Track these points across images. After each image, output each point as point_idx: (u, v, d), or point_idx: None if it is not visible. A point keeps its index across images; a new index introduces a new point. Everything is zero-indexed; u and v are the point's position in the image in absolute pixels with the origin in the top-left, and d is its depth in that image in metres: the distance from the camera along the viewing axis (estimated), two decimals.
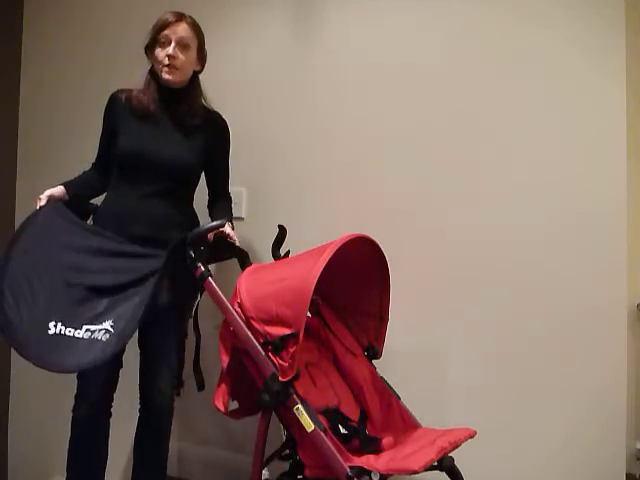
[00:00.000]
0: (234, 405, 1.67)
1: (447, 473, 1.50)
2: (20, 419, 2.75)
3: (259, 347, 1.51)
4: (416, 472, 1.32)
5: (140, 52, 2.55)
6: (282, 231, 1.79)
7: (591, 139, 1.84)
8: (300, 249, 1.70)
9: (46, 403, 2.67)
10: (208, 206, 1.96)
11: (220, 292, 1.60)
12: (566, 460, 1.83)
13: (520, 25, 1.92)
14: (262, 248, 2.09)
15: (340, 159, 2.13)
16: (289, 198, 2.17)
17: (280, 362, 1.47)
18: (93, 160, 1.97)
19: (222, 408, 1.64)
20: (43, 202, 1.76)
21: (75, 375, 1.72)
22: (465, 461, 1.53)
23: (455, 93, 1.99)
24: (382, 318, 1.73)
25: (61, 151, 2.72)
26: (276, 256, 1.79)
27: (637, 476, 1.83)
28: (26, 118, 2.82)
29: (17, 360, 2.80)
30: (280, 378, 1.45)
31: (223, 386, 1.63)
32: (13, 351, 2.80)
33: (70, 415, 1.76)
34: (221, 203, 1.94)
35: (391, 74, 2.08)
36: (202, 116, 1.86)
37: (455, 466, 1.50)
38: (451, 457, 1.48)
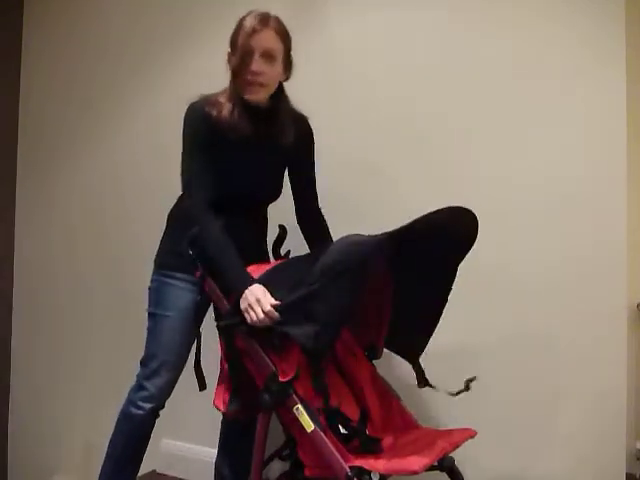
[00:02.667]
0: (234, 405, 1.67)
1: (447, 473, 1.50)
2: (20, 419, 2.75)
3: (259, 347, 1.51)
4: (416, 472, 1.32)
5: (146, 50, 2.56)
6: (282, 231, 1.80)
7: (590, 137, 1.83)
8: (300, 249, 1.70)
9: (46, 403, 2.67)
10: (300, 222, 1.86)
11: (219, 291, 1.60)
12: (566, 460, 1.82)
13: (521, 19, 1.92)
14: None
15: (340, 159, 2.13)
16: (288, 198, 2.17)
17: (280, 362, 1.47)
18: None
19: (222, 408, 1.64)
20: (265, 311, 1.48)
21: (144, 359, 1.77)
22: (465, 461, 1.53)
23: (455, 90, 1.99)
24: (382, 318, 1.73)
25: (61, 152, 2.72)
26: (276, 256, 1.79)
27: (637, 476, 1.83)
28: (26, 118, 2.82)
29: (17, 360, 2.80)
30: (280, 378, 1.45)
31: (223, 386, 1.63)
32: (13, 351, 2.83)
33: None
34: (321, 225, 1.86)
35: (391, 72, 2.08)
36: (293, 130, 1.72)
37: (455, 466, 1.50)
38: (451, 457, 1.48)
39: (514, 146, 1.92)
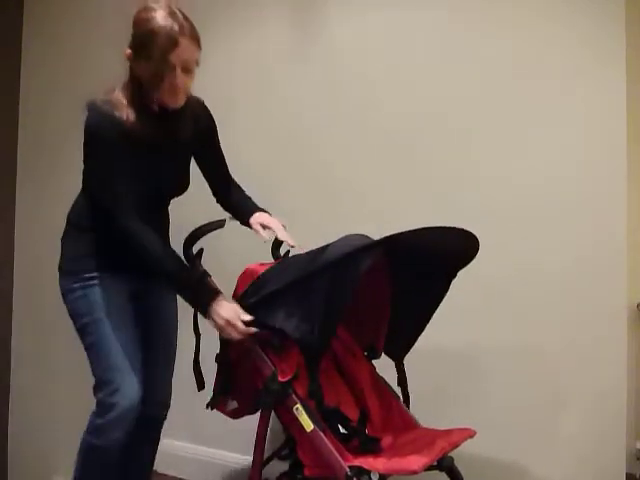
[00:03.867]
0: (234, 405, 1.67)
1: (447, 473, 1.50)
2: (20, 419, 2.75)
3: (258, 347, 1.51)
4: (415, 472, 1.32)
5: None
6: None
7: (590, 138, 1.83)
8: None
9: (46, 403, 2.67)
10: (221, 201, 1.83)
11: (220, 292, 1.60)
12: (566, 460, 1.82)
13: (521, 19, 1.92)
14: (262, 248, 2.09)
15: (340, 159, 2.13)
16: (288, 198, 2.17)
17: (279, 362, 1.47)
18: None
19: (222, 408, 1.64)
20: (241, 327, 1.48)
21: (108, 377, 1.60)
22: (465, 461, 1.53)
23: (455, 90, 1.99)
24: (382, 318, 1.73)
25: (61, 151, 2.72)
26: (276, 256, 1.79)
27: (637, 476, 1.83)
28: (26, 117, 2.82)
29: (17, 360, 2.80)
30: (279, 378, 1.45)
31: None
32: (13, 351, 2.83)
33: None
34: (239, 194, 1.82)
35: (391, 72, 2.08)
36: (191, 123, 1.67)
37: (455, 466, 1.50)
38: (451, 457, 1.48)
39: (514, 146, 1.92)
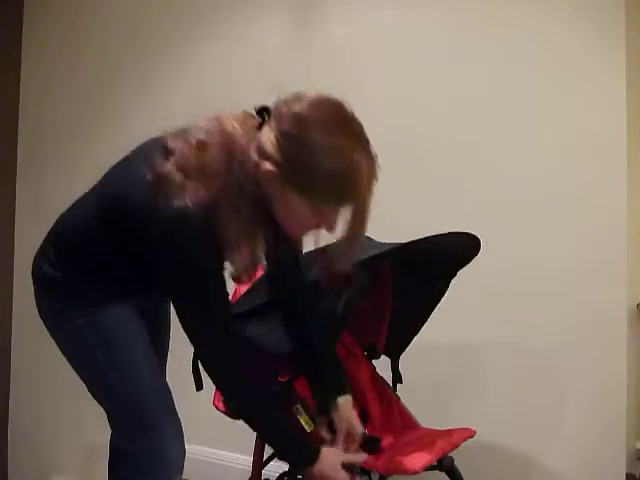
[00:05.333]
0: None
1: (447, 473, 1.50)
2: (20, 419, 2.75)
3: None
4: (415, 472, 1.32)
5: (146, 55, 2.54)
6: None
7: (590, 138, 1.83)
8: None
9: (46, 403, 2.67)
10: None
11: None
12: (566, 460, 1.82)
13: (521, 20, 1.92)
14: None
15: None
16: None
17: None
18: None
19: (222, 408, 1.64)
20: None
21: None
22: (465, 461, 1.52)
23: (454, 90, 1.99)
24: (382, 318, 1.73)
25: (62, 151, 2.72)
26: None
27: (637, 476, 1.82)
28: (26, 119, 2.82)
29: (17, 360, 2.80)
30: (279, 378, 1.45)
31: None
32: (13, 351, 2.82)
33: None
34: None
35: (392, 73, 2.08)
36: None
37: (455, 466, 1.50)
38: (451, 457, 1.47)
39: (513, 147, 1.92)
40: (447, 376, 1.96)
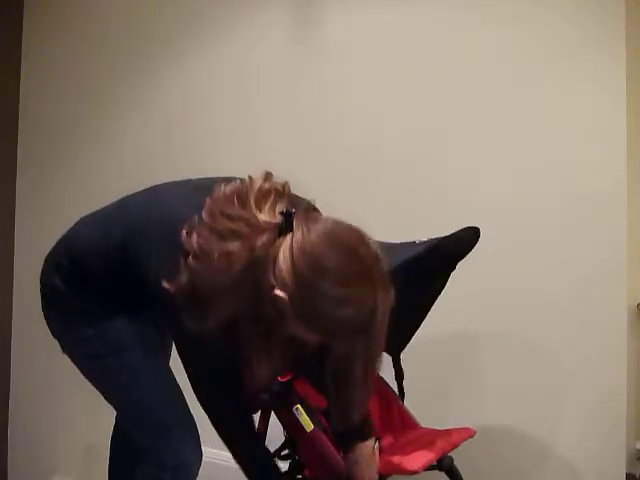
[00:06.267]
0: None
1: (446, 473, 1.50)
2: (20, 419, 2.75)
3: None
4: (415, 472, 1.32)
5: (143, 56, 2.53)
6: None
7: (590, 138, 1.83)
8: None
9: (46, 403, 2.67)
10: None
11: None
12: (566, 460, 1.82)
13: (521, 19, 1.91)
14: None
15: (340, 160, 2.13)
16: None
17: None
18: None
19: None
20: None
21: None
22: (465, 461, 1.53)
23: (453, 90, 1.99)
24: None
25: (63, 150, 2.72)
26: None
27: (637, 476, 1.82)
28: (26, 119, 2.82)
29: (17, 360, 2.80)
30: (279, 378, 1.45)
31: None
32: (13, 351, 2.82)
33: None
34: None
35: (392, 73, 2.08)
36: None
37: (454, 466, 1.50)
38: (450, 457, 1.48)
39: (512, 147, 1.92)
40: (446, 378, 1.96)
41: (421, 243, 1.49)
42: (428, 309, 1.62)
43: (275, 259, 1.07)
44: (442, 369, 1.96)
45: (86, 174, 2.62)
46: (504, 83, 1.93)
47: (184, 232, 1.11)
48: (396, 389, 1.67)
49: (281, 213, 1.13)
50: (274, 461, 1.43)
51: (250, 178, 1.20)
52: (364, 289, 1.07)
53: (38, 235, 2.72)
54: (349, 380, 1.19)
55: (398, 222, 1.96)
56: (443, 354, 1.96)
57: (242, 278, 1.07)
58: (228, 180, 1.21)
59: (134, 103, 2.56)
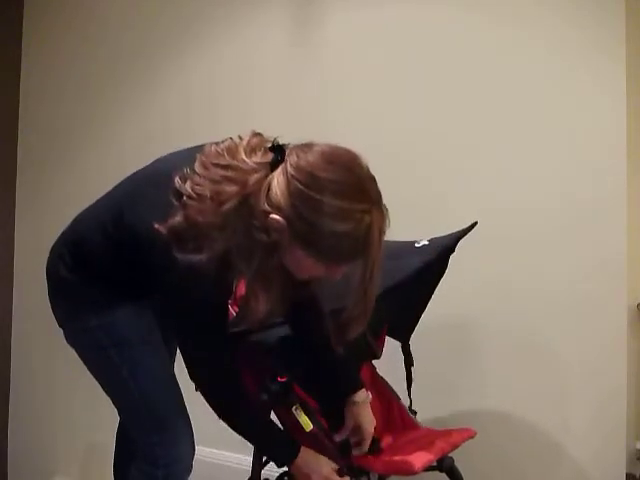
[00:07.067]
0: None
1: (446, 473, 1.50)
2: (20, 419, 2.75)
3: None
4: (415, 472, 1.32)
5: (143, 56, 2.53)
6: None
7: (590, 138, 1.83)
8: None
9: (46, 403, 2.67)
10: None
11: None
12: (566, 460, 1.82)
13: (520, 19, 1.91)
14: None
15: None
16: None
17: None
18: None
19: None
20: None
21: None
22: (465, 461, 1.52)
23: (453, 90, 1.99)
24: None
25: (63, 150, 2.72)
26: None
27: (637, 476, 1.82)
28: (26, 119, 2.82)
29: (17, 360, 2.80)
30: (279, 378, 1.45)
31: None
32: (13, 351, 2.82)
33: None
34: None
35: (392, 73, 2.08)
36: None
37: (455, 467, 1.50)
38: (451, 457, 1.47)
39: (512, 147, 1.92)
40: (446, 378, 1.96)
41: (423, 246, 1.49)
42: (432, 292, 1.60)
43: (269, 188, 1.08)
44: (442, 370, 1.96)
45: (86, 174, 2.62)
46: (504, 83, 1.93)
47: (177, 179, 1.12)
48: (404, 375, 1.67)
49: (271, 148, 1.14)
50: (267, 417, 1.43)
51: (239, 137, 1.22)
52: (361, 204, 1.06)
53: (38, 235, 2.72)
54: (346, 298, 1.15)
55: (398, 222, 1.96)
56: (443, 356, 1.96)
57: (236, 214, 1.07)
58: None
59: (134, 103, 2.56)
